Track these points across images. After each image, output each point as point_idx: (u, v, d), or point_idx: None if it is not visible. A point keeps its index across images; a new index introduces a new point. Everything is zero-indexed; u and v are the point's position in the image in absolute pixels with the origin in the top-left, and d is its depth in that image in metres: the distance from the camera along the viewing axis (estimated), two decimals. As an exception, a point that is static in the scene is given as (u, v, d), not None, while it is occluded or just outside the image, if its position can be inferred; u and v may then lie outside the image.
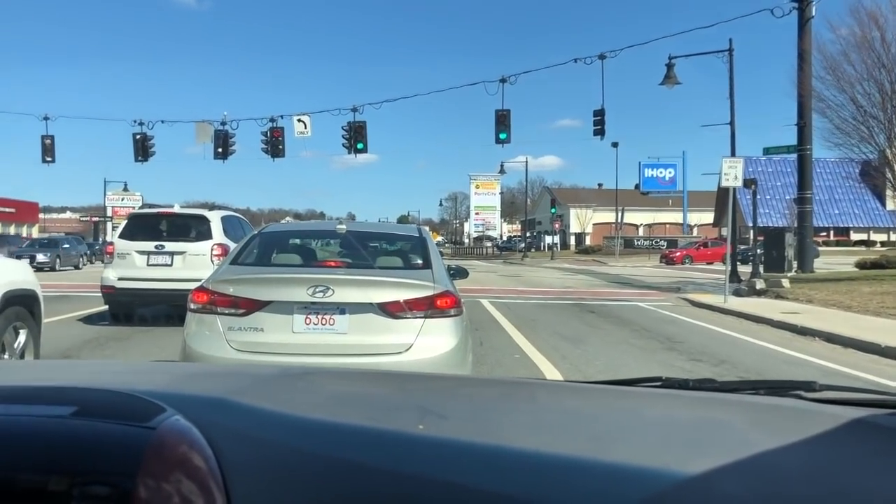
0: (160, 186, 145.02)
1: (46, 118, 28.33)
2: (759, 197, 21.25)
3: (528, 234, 73.41)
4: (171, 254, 10.73)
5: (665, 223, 72.83)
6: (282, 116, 27.44)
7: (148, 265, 10.70)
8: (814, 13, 18.98)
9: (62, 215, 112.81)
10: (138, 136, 28.00)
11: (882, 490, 0.83)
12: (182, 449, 0.76)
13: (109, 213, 75.53)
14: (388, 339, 4.46)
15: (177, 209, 12.17)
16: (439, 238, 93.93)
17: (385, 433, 0.89)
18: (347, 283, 4.59)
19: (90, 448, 0.74)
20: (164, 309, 10.33)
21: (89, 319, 11.42)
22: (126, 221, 11.68)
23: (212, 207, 12.80)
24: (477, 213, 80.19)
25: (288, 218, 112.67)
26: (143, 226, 11.27)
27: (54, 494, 0.69)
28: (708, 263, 40.67)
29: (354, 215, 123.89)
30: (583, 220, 74.45)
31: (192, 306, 4.65)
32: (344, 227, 5.66)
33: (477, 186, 79.50)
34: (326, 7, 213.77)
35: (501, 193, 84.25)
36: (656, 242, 59.01)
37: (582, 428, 1.07)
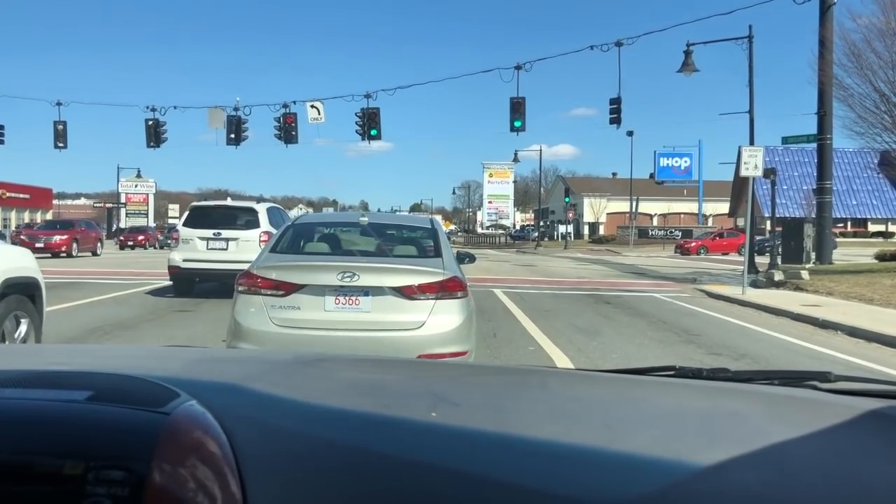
0: (173, 172, 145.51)
1: (59, 104, 28.59)
2: (776, 187, 21.05)
3: (541, 224, 73.12)
4: (227, 240, 13.08)
5: (680, 213, 72.43)
6: (295, 102, 27.40)
7: (207, 249, 13.04)
8: (835, -1, 18.70)
9: (76, 202, 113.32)
10: (150, 122, 28.16)
11: None
12: (196, 434, 0.77)
13: (123, 199, 76.14)
14: (404, 318, 5.18)
15: (230, 202, 15.21)
16: (452, 227, 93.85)
17: (398, 421, 0.89)
18: (370, 269, 5.29)
19: (105, 433, 0.75)
20: (218, 286, 12.76)
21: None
22: (188, 212, 14.13)
23: (259, 200, 15.30)
24: (490, 202, 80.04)
25: (300, 206, 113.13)
26: (203, 216, 13.64)
27: (70, 478, 0.69)
28: (723, 254, 40.48)
29: (367, 203, 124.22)
30: (597, 209, 74.15)
31: (240, 288, 5.35)
32: (366, 218, 6.44)
33: (490, 175, 79.30)
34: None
35: (515, 182, 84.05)
36: (671, 232, 58.76)
37: (594, 417, 1.07)
